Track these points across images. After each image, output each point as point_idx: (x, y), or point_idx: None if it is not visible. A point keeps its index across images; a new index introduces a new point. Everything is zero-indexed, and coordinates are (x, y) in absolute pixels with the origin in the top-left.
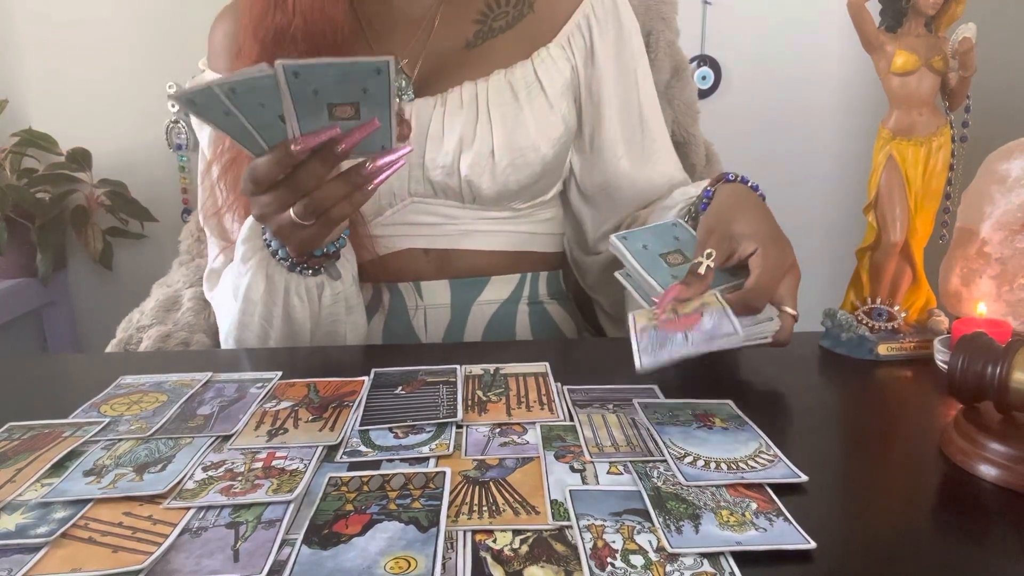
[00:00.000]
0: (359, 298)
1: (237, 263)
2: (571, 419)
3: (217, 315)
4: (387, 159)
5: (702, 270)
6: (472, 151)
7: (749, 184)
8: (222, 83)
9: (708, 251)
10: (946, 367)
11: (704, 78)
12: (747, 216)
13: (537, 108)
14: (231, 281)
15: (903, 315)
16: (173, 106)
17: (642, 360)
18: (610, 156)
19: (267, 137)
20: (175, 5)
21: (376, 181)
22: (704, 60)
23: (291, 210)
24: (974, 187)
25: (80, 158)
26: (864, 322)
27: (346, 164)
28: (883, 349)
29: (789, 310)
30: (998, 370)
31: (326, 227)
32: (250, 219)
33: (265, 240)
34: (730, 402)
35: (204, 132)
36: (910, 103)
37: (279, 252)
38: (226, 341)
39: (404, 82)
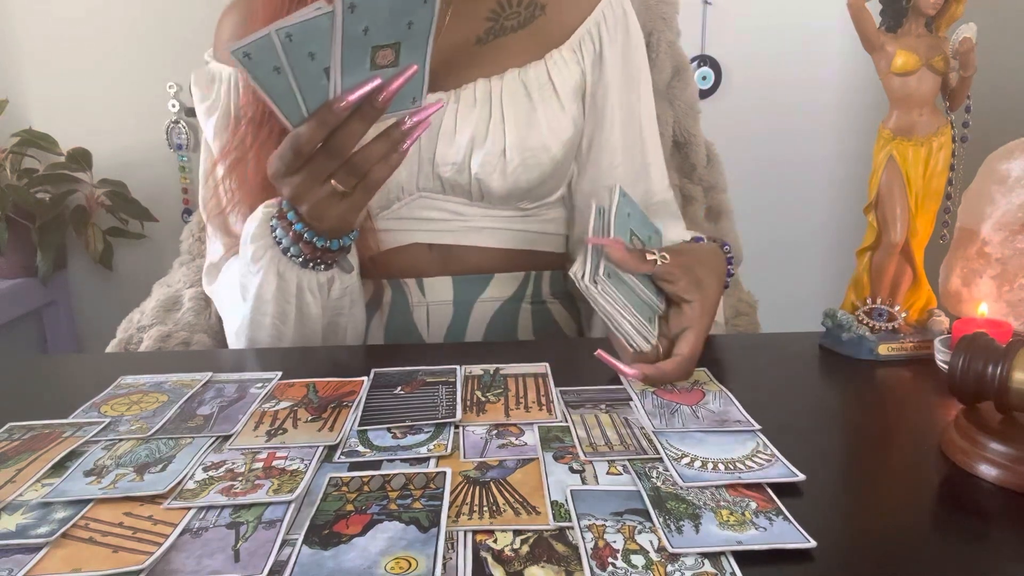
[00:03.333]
0: (361, 292)
1: (246, 262)
2: (565, 420)
3: (221, 312)
4: (424, 114)
5: (651, 257)
6: (484, 149)
7: (725, 249)
8: (280, 28)
9: (664, 254)
10: (946, 367)
11: (704, 78)
12: (710, 273)
13: (549, 109)
14: (239, 281)
15: (903, 315)
16: (173, 106)
17: (654, 424)
18: (607, 164)
19: (309, 100)
20: (176, 5)
21: (411, 139)
22: (704, 60)
23: (332, 180)
24: (974, 187)
25: (80, 158)
26: (864, 322)
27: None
28: (883, 349)
29: (677, 360)
30: (998, 370)
31: (366, 193)
32: (257, 217)
33: (275, 238)
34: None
35: (209, 126)
36: (910, 103)
37: (291, 249)
38: (237, 340)
39: None
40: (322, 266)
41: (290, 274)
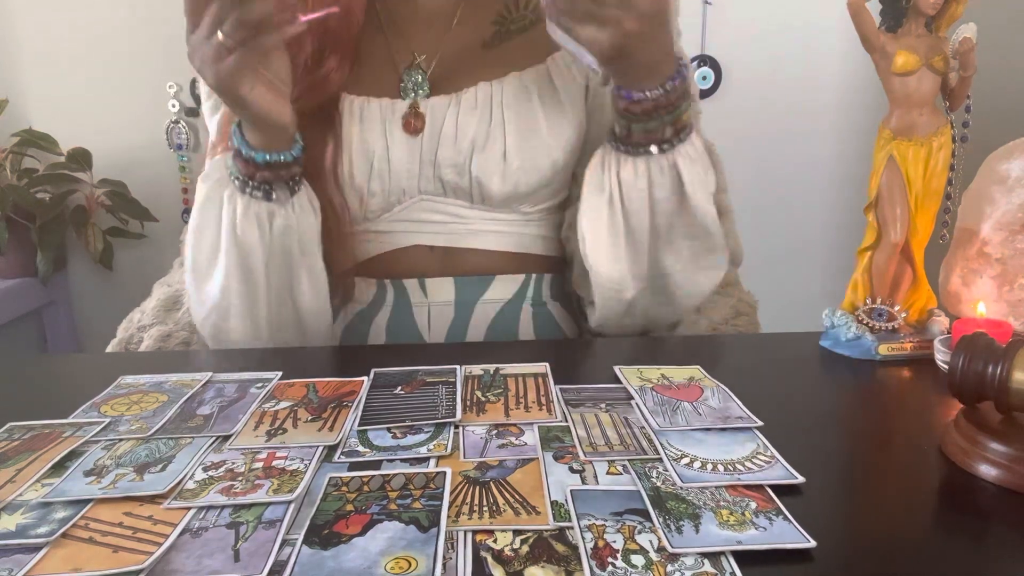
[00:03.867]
0: (317, 247)
1: (199, 182)
2: (565, 420)
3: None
4: None
5: None
6: (485, 152)
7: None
8: None
9: None
10: (946, 367)
11: (704, 78)
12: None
13: (551, 113)
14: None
15: (903, 315)
16: (173, 106)
17: (657, 423)
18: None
19: None
20: (176, 5)
21: (309, 16)
22: (704, 60)
23: (219, 32)
24: (974, 187)
25: (80, 158)
26: (864, 322)
27: None
28: (883, 349)
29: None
30: (998, 370)
31: (249, 53)
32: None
33: (226, 162)
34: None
35: (213, 123)
36: (910, 103)
37: (232, 169)
38: (186, 260)
39: (420, 77)
40: (259, 193)
41: (230, 195)
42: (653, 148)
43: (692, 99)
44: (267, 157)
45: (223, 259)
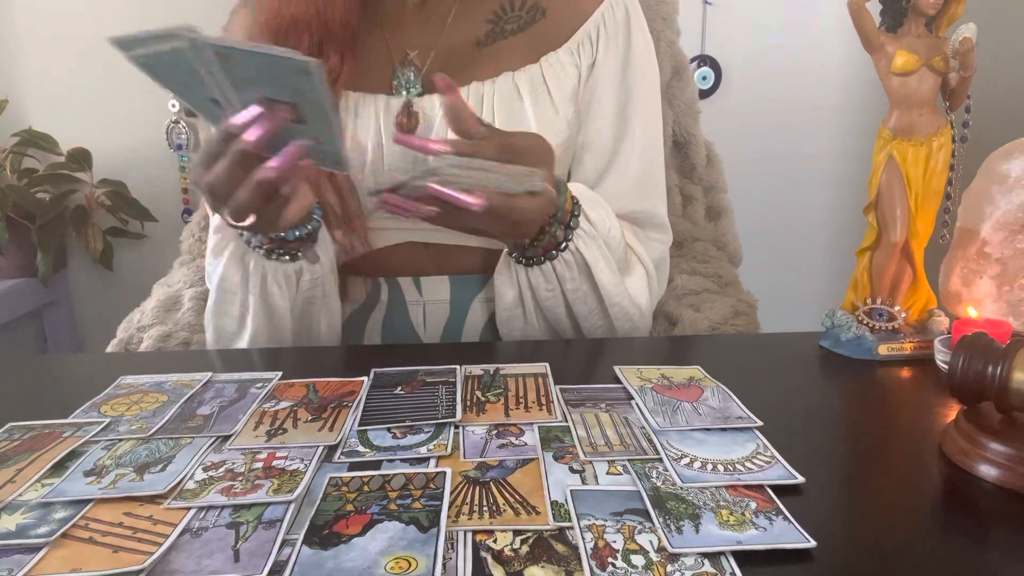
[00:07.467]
0: (335, 285)
1: (208, 253)
2: (565, 420)
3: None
4: (281, 160)
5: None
6: None
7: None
8: (135, 53)
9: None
10: (946, 367)
11: (704, 78)
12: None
13: (541, 112)
14: (207, 271)
15: (903, 315)
16: (173, 106)
17: (657, 423)
18: (575, 165)
19: (207, 114)
20: (176, 6)
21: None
22: (704, 60)
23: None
24: (974, 187)
25: (80, 158)
26: (864, 322)
27: None
28: (883, 349)
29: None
30: (998, 370)
31: (238, 214)
32: None
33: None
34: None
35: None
36: (910, 103)
37: (252, 240)
38: (207, 326)
39: (412, 75)
40: (286, 257)
41: (254, 264)
42: (553, 252)
43: (561, 184)
44: (296, 233)
45: (251, 323)
